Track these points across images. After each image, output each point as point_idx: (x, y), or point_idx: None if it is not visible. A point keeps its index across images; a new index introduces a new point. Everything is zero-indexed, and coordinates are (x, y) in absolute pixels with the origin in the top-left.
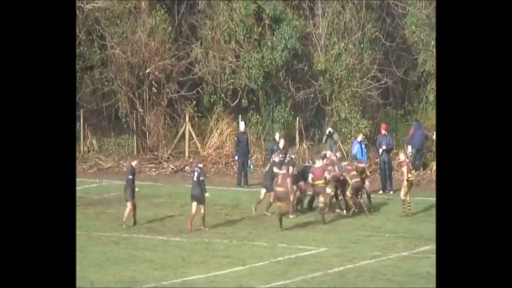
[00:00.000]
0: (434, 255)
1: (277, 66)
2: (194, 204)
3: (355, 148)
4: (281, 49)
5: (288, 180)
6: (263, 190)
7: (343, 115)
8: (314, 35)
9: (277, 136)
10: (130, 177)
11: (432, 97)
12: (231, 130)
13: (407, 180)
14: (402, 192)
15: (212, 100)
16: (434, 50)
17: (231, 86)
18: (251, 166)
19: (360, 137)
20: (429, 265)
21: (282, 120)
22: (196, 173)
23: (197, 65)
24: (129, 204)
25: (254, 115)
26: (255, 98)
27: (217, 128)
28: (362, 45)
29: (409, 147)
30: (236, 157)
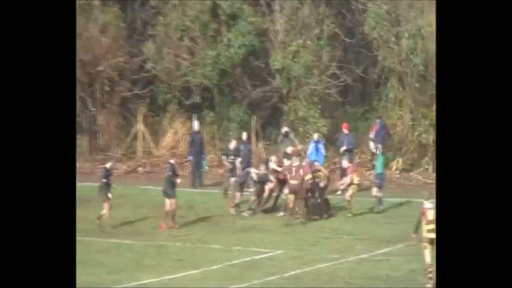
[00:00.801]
0: (394, 258)
1: (233, 64)
2: (166, 200)
3: (310, 148)
4: (238, 46)
5: (300, 172)
6: (238, 194)
7: (301, 113)
8: (271, 31)
9: (244, 136)
10: (104, 180)
11: (392, 95)
12: (186, 129)
13: (356, 184)
14: (350, 193)
15: (166, 98)
16: (395, 46)
17: (186, 84)
18: (206, 167)
19: (316, 137)
20: (388, 268)
21: (238, 119)
22: (168, 169)
23: (150, 63)
24: (106, 205)
25: (209, 114)
26: (210, 97)
27: (171, 128)
28: (320, 42)
29: (372, 144)
30: (190, 157)
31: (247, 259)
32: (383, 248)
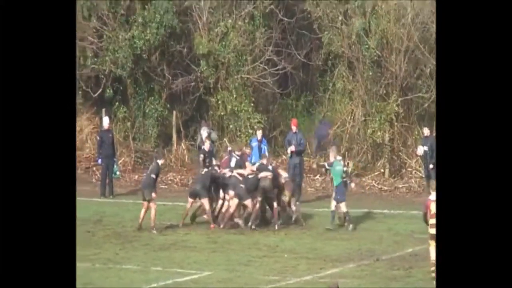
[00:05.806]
0: (344, 280)
1: (150, 48)
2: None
3: (253, 149)
4: (155, 27)
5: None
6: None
7: (231, 107)
8: (195, 9)
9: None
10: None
11: (340, 85)
12: (93, 127)
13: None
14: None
15: None
16: (343, 27)
17: (93, 73)
18: (117, 172)
19: (259, 135)
20: None
21: (156, 115)
22: None
23: None
24: (151, 204)
25: (121, 109)
26: (122, 88)
27: (76, 125)
28: (254, 22)
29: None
30: (99, 161)
31: (169, 282)
32: (330, 268)
